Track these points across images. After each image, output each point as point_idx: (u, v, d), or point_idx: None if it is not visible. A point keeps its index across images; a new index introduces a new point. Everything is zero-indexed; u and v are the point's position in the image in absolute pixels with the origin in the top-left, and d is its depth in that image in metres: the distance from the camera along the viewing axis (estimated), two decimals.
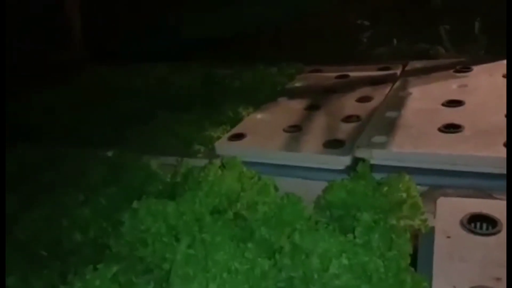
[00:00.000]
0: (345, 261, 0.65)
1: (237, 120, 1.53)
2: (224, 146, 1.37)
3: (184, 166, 1.14)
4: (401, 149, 1.10)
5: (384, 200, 0.80)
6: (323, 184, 1.19)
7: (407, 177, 0.87)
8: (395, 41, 2.42)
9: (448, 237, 0.76)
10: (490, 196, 1.01)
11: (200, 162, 1.33)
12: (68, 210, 0.99)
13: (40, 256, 0.94)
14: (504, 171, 0.98)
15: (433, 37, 2.39)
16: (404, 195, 0.83)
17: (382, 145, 1.14)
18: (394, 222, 0.75)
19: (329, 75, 1.79)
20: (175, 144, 1.47)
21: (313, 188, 1.09)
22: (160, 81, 2.01)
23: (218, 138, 1.43)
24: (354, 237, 0.73)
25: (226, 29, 2.42)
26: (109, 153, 1.38)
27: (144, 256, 0.81)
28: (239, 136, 1.40)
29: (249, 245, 0.76)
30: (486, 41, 2.21)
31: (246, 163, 1.29)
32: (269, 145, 1.31)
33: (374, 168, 1.13)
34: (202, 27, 2.48)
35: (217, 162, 1.10)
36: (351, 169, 1.17)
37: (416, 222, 0.80)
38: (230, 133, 1.43)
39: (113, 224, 0.94)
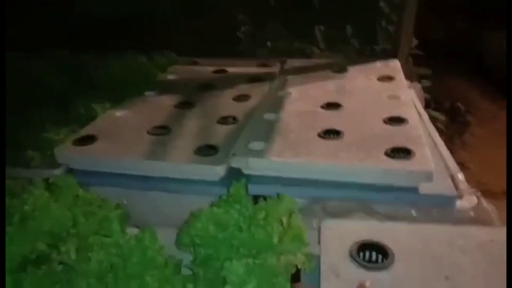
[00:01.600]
0: None
1: (91, 119, 1.20)
2: (67, 153, 1.04)
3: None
4: (279, 158, 0.93)
5: (262, 235, 0.60)
6: (196, 199, 0.98)
7: (287, 199, 0.69)
8: (270, 41, 2.32)
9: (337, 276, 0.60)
10: (371, 210, 0.91)
11: (40, 173, 1.00)
12: None
13: None
14: (387, 182, 0.89)
15: (309, 37, 2.35)
16: (285, 223, 0.65)
17: (259, 153, 0.95)
18: (273, 261, 0.55)
19: (206, 69, 1.56)
20: (13, 152, 1.08)
21: (184, 204, 0.86)
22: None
23: (61, 141, 1.09)
24: None
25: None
26: None
27: None
28: (88, 139, 1.08)
29: None
30: (357, 44, 2.24)
31: (95, 175, 1.01)
32: (127, 151, 1.03)
33: (251, 179, 0.95)
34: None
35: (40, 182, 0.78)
36: (227, 179, 0.98)
37: (299, 258, 0.62)
38: (76, 135, 1.10)
39: None
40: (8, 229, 0.60)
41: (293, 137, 1.01)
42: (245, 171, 0.96)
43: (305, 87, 1.31)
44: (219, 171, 0.95)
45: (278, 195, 0.69)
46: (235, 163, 0.95)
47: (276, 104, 1.20)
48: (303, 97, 1.23)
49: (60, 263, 0.61)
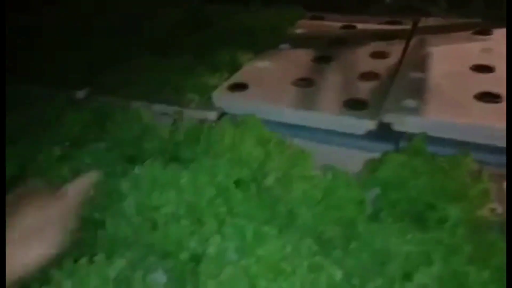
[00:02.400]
0: (435, 269, 0.49)
1: (235, 67, 1.28)
2: (223, 97, 1.14)
3: (182, 120, 0.91)
4: (438, 118, 0.94)
5: (456, 185, 0.63)
6: (336, 150, 1.04)
7: (470, 156, 0.71)
8: None
9: None
10: None
11: (195, 114, 1.11)
12: (41, 168, 0.74)
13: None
14: None
15: None
16: (470, 177, 0.68)
17: (415, 111, 0.97)
18: (481, 214, 0.59)
19: (333, 24, 1.56)
20: (162, 91, 1.20)
21: (324, 153, 0.92)
22: (140, 17, 1.66)
23: (215, 86, 1.19)
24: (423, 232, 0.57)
25: None
26: (84, 97, 1.10)
27: (153, 243, 0.60)
28: (240, 87, 1.16)
29: (293, 234, 0.57)
30: (483, 8, 2.06)
31: None
32: (277, 99, 1.10)
33: (402, 136, 0.98)
34: None
35: (227, 119, 0.88)
36: (372, 135, 1.02)
37: (485, 212, 0.65)
38: (229, 82, 1.19)
39: (101, 191, 0.70)
40: (220, 160, 0.69)
41: (447, 97, 1.00)
42: (396, 128, 0.98)
43: (447, 47, 1.27)
44: (370, 125, 0.99)
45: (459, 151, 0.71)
46: (389, 118, 0.98)
47: (419, 63, 1.19)
48: (448, 58, 1.20)
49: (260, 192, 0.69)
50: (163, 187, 0.63)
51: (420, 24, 1.47)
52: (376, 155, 0.91)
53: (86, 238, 0.66)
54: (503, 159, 0.89)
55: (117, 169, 0.72)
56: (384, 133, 1.00)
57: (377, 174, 0.68)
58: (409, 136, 0.96)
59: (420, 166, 0.66)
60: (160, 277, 0.55)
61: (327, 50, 1.33)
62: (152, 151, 0.79)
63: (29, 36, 1.44)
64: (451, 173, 0.66)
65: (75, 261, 0.55)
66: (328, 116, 1.02)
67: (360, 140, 1.01)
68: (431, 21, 1.49)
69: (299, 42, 1.41)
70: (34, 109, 0.93)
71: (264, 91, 1.13)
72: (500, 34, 1.32)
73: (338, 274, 0.48)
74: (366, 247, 0.53)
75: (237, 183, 0.68)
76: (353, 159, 0.92)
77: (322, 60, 1.28)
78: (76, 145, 0.79)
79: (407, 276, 0.49)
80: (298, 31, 1.53)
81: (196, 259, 0.58)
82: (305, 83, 1.16)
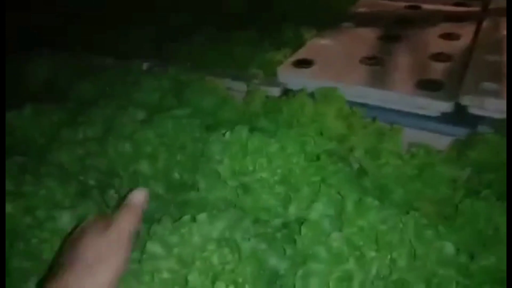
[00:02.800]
0: None
1: (299, 43, 1.26)
2: (289, 73, 1.12)
3: (257, 93, 0.90)
4: None
5: None
6: (409, 131, 1.01)
7: None
8: None
9: None
10: None
11: (254, 87, 1.09)
12: (125, 131, 0.75)
13: (90, 187, 0.72)
14: None
15: None
16: None
17: (495, 93, 0.93)
18: None
19: (396, 4, 1.50)
20: (227, 65, 1.20)
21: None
22: None
23: (279, 62, 1.17)
24: None
25: None
26: (150, 69, 1.11)
27: (245, 207, 0.60)
28: (305, 63, 1.15)
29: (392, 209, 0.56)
30: None
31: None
32: (345, 77, 1.07)
33: (480, 120, 0.94)
34: None
35: (305, 93, 0.86)
36: (446, 117, 0.98)
37: None
38: (293, 58, 1.17)
39: (188, 155, 0.71)
40: (308, 130, 0.68)
41: None
42: (473, 111, 0.94)
43: None
44: (446, 107, 0.95)
45: None
46: (468, 101, 0.94)
47: (494, 45, 1.13)
48: None
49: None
50: (253, 153, 0.63)
51: (491, 6, 1.40)
52: (450, 138, 0.88)
53: (173, 200, 0.67)
54: None
55: (201, 135, 0.72)
56: (459, 116, 0.96)
57: (470, 154, 0.66)
58: (486, 121, 0.93)
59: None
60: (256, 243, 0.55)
61: (393, 29, 1.29)
62: (230, 121, 0.79)
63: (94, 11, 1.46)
64: None
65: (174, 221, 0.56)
66: (401, 96, 0.99)
67: (434, 122, 0.98)
68: (502, 3, 1.41)
69: (362, 21, 1.37)
70: (111, 77, 0.95)
71: (331, 68, 1.11)
72: None
73: (450, 248, 0.47)
74: (471, 225, 0.52)
75: (325, 154, 0.67)
76: (427, 142, 0.89)
77: (389, 38, 1.24)
78: (157, 111, 0.79)
79: None
80: (360, 9, 1.48)
81: (290, 226, 0.58)
82: (373, 61, 1.13)
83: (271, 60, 1.17)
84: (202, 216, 0.53)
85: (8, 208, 0.62)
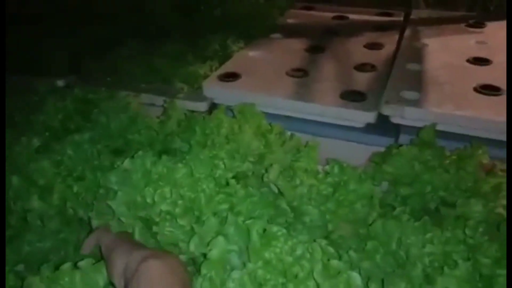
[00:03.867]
0: (459, 272, 0.45)
1: (226, 56, 1.21)
2: (214, 87, 1.07)
3: (174, 110, 0.84)
4: (440, 109, 0.90)
5: (470, 179, 0.59)
6: (333, 143, 0.99)
7: (482, 149, 0.67)
8: None
9: None
10: None
11: (184, 104, 1.03)
12: (19, 161, 0.65)
13: None
14: None
15: None
16: (481, 171, 0.64)
17: (415, 103, 0.93)
18: (501, 211, 0.55)
19: (324, 15, 1.51)
20: (151, 80, 1.13)
21: (325, 148, 0.86)
22: (126, 4, 1.55)
23: (205, 76, 1.12)
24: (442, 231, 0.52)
25: None
26: (66, 85, 1.01)
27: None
28: (231, 76, 1.10)
29: (302, 235, 0.52)
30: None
31: None
32: (272, 90, 1.04)
33: (400, 129, 0.94)
34: None
35: (223, 109, 0.81)
36: (370, 127, 0.97)
37: (500, 209, 0.61)
38: (220, 71, 1.12)
39: (87, 187, 0.63)
40: (219, 152, 0.63)
41: (448, 89, 0.96)
42: (395, 120, 0.94)
43: (442, 39, 1.23)
44: (369, 117, 0.94)
45: (471, 144, 0.67)
46: (388, 110, 0.93)
47: (415, 54, 1.15)
48: (444, 50, 1.17)
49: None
50: (156, 182, 0.56)
51: (413, 16, 1.44)
52: (375, 149, 0.87)
53: (69, 238, 0.59)
54: (503, 153, 0.87)
55: (102, 162, 0.65)
56: (382, 126, 0.96)
57: (385, 168, 0.63)
58: (408, 130, 0.93)
59: (431, 159, 0.62)
60: None
61: (320, 40, 1.28)
62: (141, 143, 0.72)
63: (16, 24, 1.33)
64: (463, 167, 0.61)
65: (57, 266, 0.48)
66: (325, 108, 0.97)
67: (358, 133, 0.97)
68: (422, 13, 1.46)
69: (290, 32, 1.35)
70: (14, 97, 0.84)
71: (257, 81, 1.07)
72: (493, 27, 1.30)
73: (358, 279, 0.43)
74: (383, 248, 0.49)
75: (237, 177, 0.62)
76: (351, 153, 0.87)
77: (316, 50, 1.23)
78: (57, 136, 0.71)
79: (430, 280, 0.45)
80: (289, 20, 1.47)
81: (196, 262, 0.51)
82: (300, 73, 1.10)
83: (197, 73, 1.11)
84: (86, 262, 0.45)
85: None
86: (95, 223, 0.54)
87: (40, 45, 1.20)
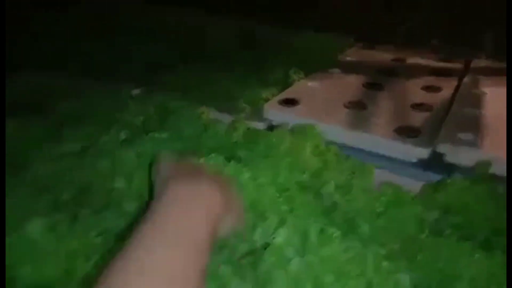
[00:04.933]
0: None
1: (287, 84, 1.32)
2: (274, 110, 1.17)
3: (241, 124, 0.93)
4: (495, 153, 0.93)
5: None
6: (386, 174, 1.03)
7: None
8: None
9: None
10: None
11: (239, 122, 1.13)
12: (105, 150, 0.77)
13: (64, 201, 0.72)
14: None
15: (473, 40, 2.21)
16: None
17: (471, 144, 0.97)
18: None
19: (384, 56, 1.59)
20: (214, 99, 1.25)
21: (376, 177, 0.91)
22: (193, 29, 1.73)
23: (266, 99, 1.22)
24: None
25: None
26: (139, 93, 1.14)
27: None
28: (291, 102, 1.19)
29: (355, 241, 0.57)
30: None
31: None
32: (328, 118, 1.11)
33: (454, 168, 0.98)
34: None
35: (284, 128, 0.90)
36: (423, 164, 1.01)
37: None
38: (280, 96, 1.22)
39: None
40: (281, 162, 0.71)
41: (503, 135, 0.99)
42: (449, 159, 0.98)
43: (501, 89, 1.26)
44: (423, 153, 0.99)
45: None
46: (444, 149, 0.97)
47: (473, 100, 1.19)
48: (503, 99, 1.20)
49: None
50: None
51: (473, 65, 1.48)
52: (423, 183, 0.91)
53: None
54: None
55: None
56: (435, 163, 1.00)
57: (437, 196, 0.68)
58: (461, 170, 0.96)
59: (482, 192, 0.66)
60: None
61: (378, 78, 1.36)
62: (211, 148, 0.81)
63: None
64: None
65: None
66: (381, 140, 1.03)
67: (410, 168, 1.01)
68: (482, 63, 1.50)
69: (349, 68, 1.44)
70: (98, 97, 0.98)
71: (315, 109, 1.15)
72: None
73: (407, 280, 0.47)
74: (432, 262, 0.53)
75: (295, 186, 0.69)
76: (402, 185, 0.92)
77: (374, 86, 1.30)
78: (139, 133, 0.82)
79: None
80: (349, 58, 1.56)
81: (256, 252, 0.58)
82: (356, 106, 1.17)
83: (258, 96, 1.21)
84: None
85: None
86: None
87: (122, 56, 1.36)
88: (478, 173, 0.73)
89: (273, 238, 0.53)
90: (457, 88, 1.31)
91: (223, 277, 0.54)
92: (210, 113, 1.15)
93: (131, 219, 0.68)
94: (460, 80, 1.36)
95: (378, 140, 1.03)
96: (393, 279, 0.47)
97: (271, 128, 1.13)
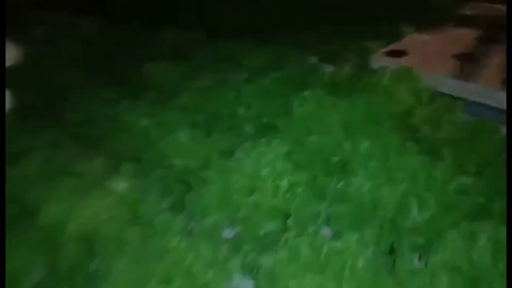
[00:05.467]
0: None
1: (397, 37, 1.37)
2: (381, 60, 1.25)
3: (344, 68, 1.06)
4: None
5: None
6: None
7: None
8: None
9: None
10: None
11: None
12: (232, 85, 0.98)
13: (200, 124, 0.95)
14: None
15: None
16: None
17: None
18: None
19: (503, 8, 1.50)
20: (325, 48, 1.36)
21: None
22: None
23: (374, 51, 1.30)
24: None
25: None
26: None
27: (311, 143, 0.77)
28: (398, 53, 1.25)
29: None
30: None
31: None
32: (434, 69, 1.16)
33: None
34: None
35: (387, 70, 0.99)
36: None
37: None
38: (388, 48, 1.29)
39: (277, 106, 0.90)
40: (375, 97, 0.82)
41: None
42: None
43: None
44: None
45: None
46: None
47: None
48: None
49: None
50: (325, 109, 0.79)
51: None
52: None
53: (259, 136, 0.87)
54: None
55: (288, 92, 0.91)
56: None
57: None
58: None
59: None
60: None
61: (493, 33, 1.31)
62: (314, 83, 0.96)
63: None
64: None
65: None
66: (486, 90, 1.04)
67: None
68: None
69: (465, 22, 1.41)
70: (229, 46, 1.20)
71: (422, 60, 1.20)
72: None
73: (467, 180, 0.57)
74: (498, 177, 0.61)
75: (385, 116, 0.81)
76: None
77: (488, 41, 1.27)
78: (261, 72, 1.01)
79: None
80: (467, 12, 1.52)
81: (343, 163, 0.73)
82: (467, 58, 1.18)
83: (367, 48, 1.30)
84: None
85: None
86: (280, 124, 0.81)
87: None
88: None
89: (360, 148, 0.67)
90: None
91: None
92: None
93: (249, 138, 0.88)
94: None
95: (483, 90, 1.05)
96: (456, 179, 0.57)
97: None
